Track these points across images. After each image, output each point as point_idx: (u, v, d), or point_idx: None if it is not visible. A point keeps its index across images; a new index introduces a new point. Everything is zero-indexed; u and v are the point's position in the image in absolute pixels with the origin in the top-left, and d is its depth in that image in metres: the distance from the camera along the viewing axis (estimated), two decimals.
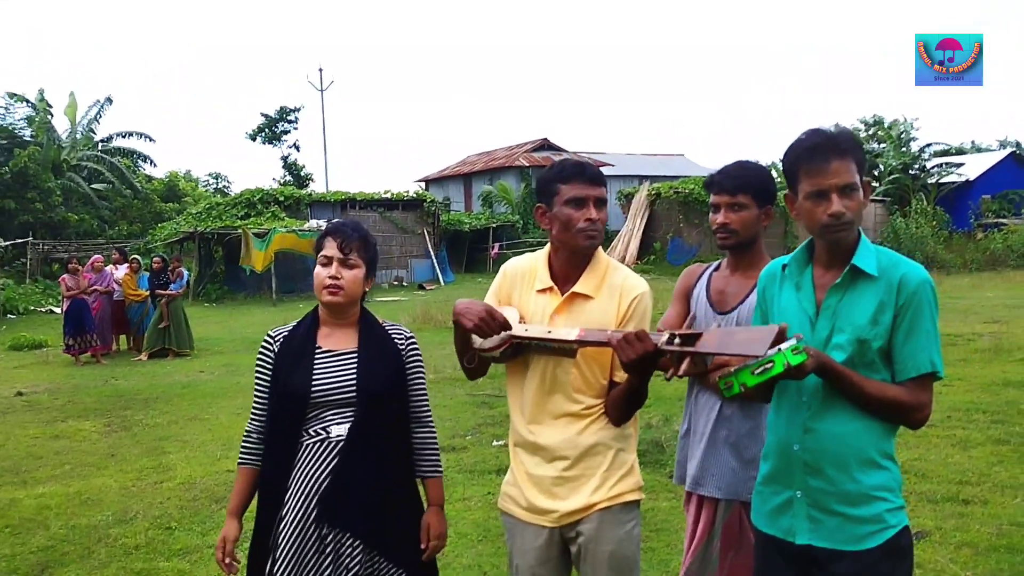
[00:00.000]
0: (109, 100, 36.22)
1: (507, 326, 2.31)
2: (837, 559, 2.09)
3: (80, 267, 13.37)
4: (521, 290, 2.50)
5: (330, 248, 2.51)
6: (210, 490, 5.82)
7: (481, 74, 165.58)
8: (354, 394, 2.47)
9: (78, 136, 35.60)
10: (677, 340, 2.02)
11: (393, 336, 2.62)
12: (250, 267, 23.14)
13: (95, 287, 13.18)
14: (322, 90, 39.74)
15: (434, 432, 2.66)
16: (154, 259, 13.99)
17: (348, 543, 2.42)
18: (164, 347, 13.19)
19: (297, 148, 44.64)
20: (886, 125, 41.06)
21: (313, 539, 2.41)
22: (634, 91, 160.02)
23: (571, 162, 2.43)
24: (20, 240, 26.28)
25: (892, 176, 36.07)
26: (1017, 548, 4.23)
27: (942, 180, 36.99)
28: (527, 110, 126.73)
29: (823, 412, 2.10)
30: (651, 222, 31.80)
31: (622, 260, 28.72)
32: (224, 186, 50.21)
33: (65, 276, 13.15)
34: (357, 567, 2.41)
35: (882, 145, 39.51)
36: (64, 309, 13.01)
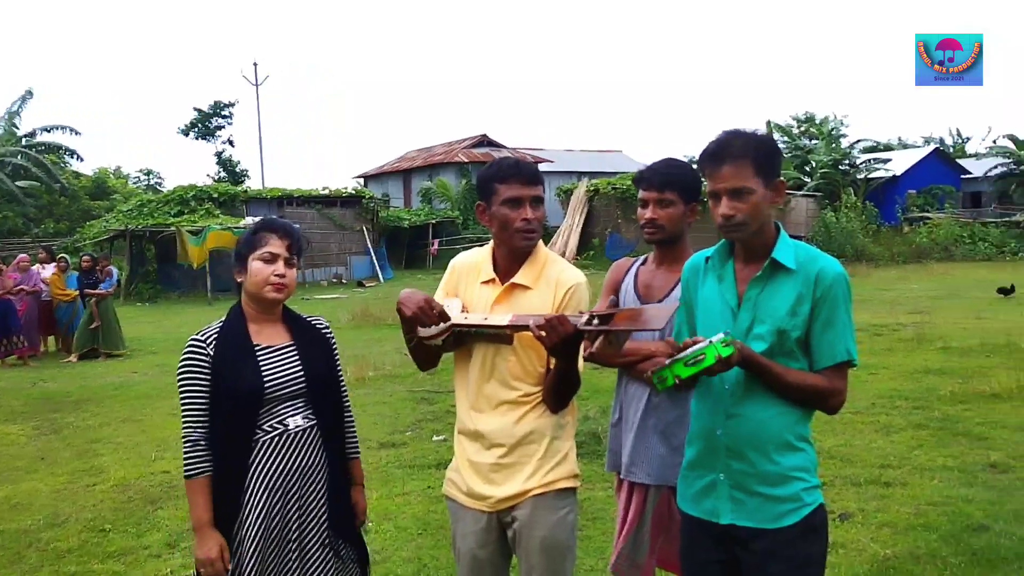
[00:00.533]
0: (30, 93, 35.10)
1: (444, 315, 2.39)
2: (758, 537, 2.19)
3: (4, 267, 12.96)
4: (467, 283, 2.58)
5: (277, 247, 2.53)
6: (144, 491, 5.74)
7: (420, 70, 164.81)
8: (303, 385, 2.54)
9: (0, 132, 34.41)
10: (595, 321, 2.12)
11: (315, 325, 2.72)
12: (188, 263, 22.68)
13: (21, 287, 12.78)
14: (257, 85, 39.00)
15: (352, 415, 2.79)
16: (83, 258, 13.63)
17: (314, 530, 2.51)
18: (95, 348, 12.86)
19: (232, 144, 43.97)
20: (817, 122, 42.17)
21: (277, 531, 2.46)
22: (573, 88, 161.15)
23: (508, 162, 2.49)
24: None
25: (823, 171, 36.98)
26: (933, 526, 4.44)
27: (870, 175, 38.10)
28: (466, 106, 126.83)
29: (744, 399, 2.20)
30: (590, 218, 32.14)
31: (562, 255, 28.86)
32: (156, 183, 49.19)
33: None
34: (320, 552, 2.52)
35: (814, 141, 40.51)
36: None
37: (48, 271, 13.51)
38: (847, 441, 6.21)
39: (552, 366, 2.38)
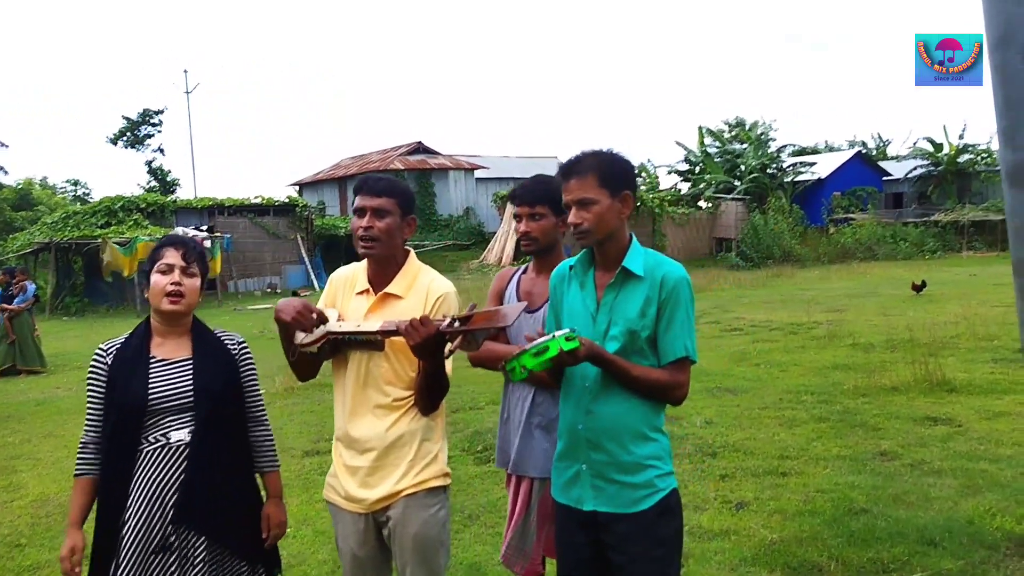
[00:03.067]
0: None
1: (323, 318, 2.55)
2: (618, 521, 2.41)
3: None
4: (344, 294, 2.75)
5: (172, 257, 2.63)
6: (64, 506, 5.74)
7: (354, 76, 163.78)
8: (191, 400, 2.60)
9: None
10: (457, 323, 2.31)
11: (225, 342, 2.77)
12: (117, 271, 22.19)
13: None
14: (188, 92, 38.61)
15: (270, 429, 2.83)
16: (3, 272, 13.36)
17: (194, 543, 2.56)
18: (14, 364, 12.63)
19: (162, 152, 43.22)
20: (747, 127, 43.22)
21: (157, 542, 2.53)
22: (508, 94, 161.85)
23: (362, 177, 2.69)
24: None
25: (752, 175, 37.95)
26: (819, 512, 4.76)
27: (797, 178, 39.21)
28: (401, 113, 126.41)
29: (601, 396, 2.42)
30: None
31: (499, 261, 29.16)
32: (84, 193, 48.04)
33: None
34: (202, 565, 2.56)
35: (744, 146, 41.50)
36: None
37: None
38: (752, 435, 6.54)
39: (419, 369, 2.56)
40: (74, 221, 25.47)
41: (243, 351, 2.79)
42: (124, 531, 2.53)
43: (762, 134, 41.63)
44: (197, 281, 2.68)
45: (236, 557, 2.66)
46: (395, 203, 2.63)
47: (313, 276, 28.83)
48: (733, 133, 44.03)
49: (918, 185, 40.05)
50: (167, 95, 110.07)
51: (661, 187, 41.67)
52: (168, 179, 42.33)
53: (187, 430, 2.59)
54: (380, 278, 2.68)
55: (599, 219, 2.42)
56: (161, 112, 42.14)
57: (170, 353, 2.66)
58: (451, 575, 4.18)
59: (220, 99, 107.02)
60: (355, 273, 2.77)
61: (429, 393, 2.59)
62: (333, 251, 32.25)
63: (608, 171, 2.43)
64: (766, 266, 28.64)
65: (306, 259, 29.10)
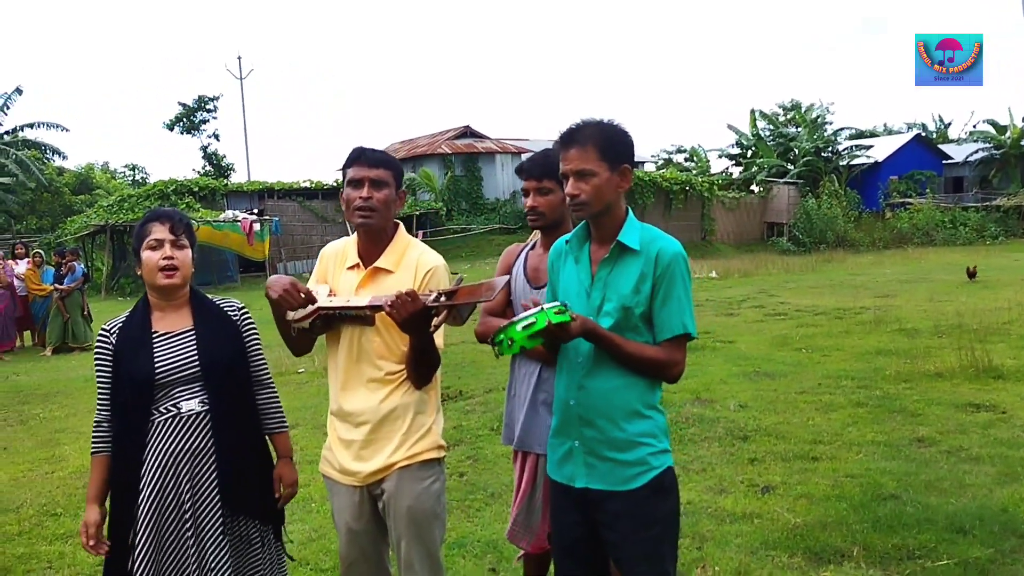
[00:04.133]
0: (19, 91, 35.01)
1: (312, 297, 2.54)
2: (609, 499, 2.37)
3: None
4: (334, 269, 2.74)
5: (159, 231, 2.64)
6: None
7: (404, 62, 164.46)
8: (198, 370, 2.63)
9: None
10: (442, 298, 2.29)
11: (225, 309, 2.79)
12: None
13: None
14: (241, 78, 39.18)
15: (275, 391, 2.85)
16: (55, 254, 13.78)
17: (208, 508, 2.61)
18: (66, 342, 13.02)
19: (217, 138, 43.69)
20: (803, 110, 42.34)
21: (172, 509, 2.58)
22: (558, 78, 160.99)
23: (357, 148, 2.65)
24: None
25: (806, 159, 37.20)
26: (846, 496, 4.64)
27: (852, 162, 38.32)
28: (450, 98, 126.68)
29: (593, 371, 2.38)
30: None
31: None
32: (142, 178, 49.03)
33: None
34: (219, 529, 2.61)
35: (798, 129, 40.69)
36: None
37: (22, 266, 13.63)
38: (786, 419, 6.41)
39: (408, 343, 2.54)
40: (129, 204, 26.04)
41: (244, 316, 2.81)
42: (140, 501, 2.57)
43: (818, 117, 40.74)
44: (188, 252, 2.70)
45: (249, 518, 2.71)
46: (391, 175, 2.62)
47: None
48: (788, 116, 43.18)
49: (979, 169, 38.87)
50: (222, 81, 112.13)
51: (712, 171, 41.12)
52: (223, 164, 42.98)
53: (197, 400, 2.62)
54: (370, 252, 2.67)
55: (597, 191, 2.36)
56: (216, 99, 42.64)
57: (171, 326, 2.69)
58: (469, 552, 4.19)
59: (273, 84, 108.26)
60: (345, 248, 2.76)
61: (419, 367, 2.57)
62: None
63: (608, 143, 2.37)
64: (818, 251, 28.10)
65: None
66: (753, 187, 37.16)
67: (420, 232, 32.43)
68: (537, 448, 3.03)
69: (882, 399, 6.90)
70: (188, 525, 2.59)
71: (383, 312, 2.40)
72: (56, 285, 13.07)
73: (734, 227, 34.28)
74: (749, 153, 40.65)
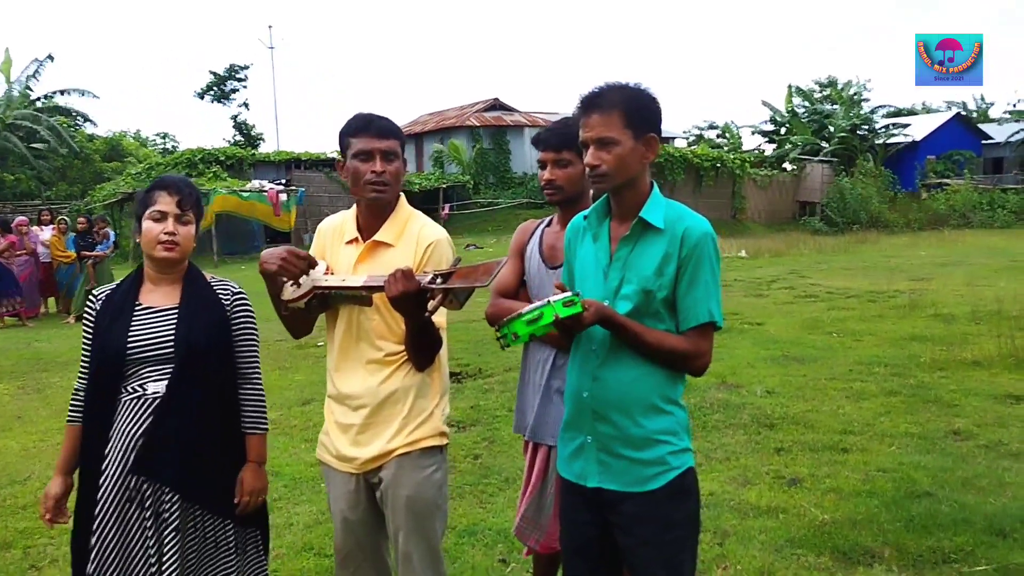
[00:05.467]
0: (50, 57, 35.15)
1: (312, 262, 2.37)
2: (625, 500, 2.17)
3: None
4: (332, 245, 2.57)
5: (166, 204, 2.48)
6: None
7: (433, 33, 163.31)
8: (172, 351, 2.46)
9: (14, 94, 34.54)
10: (439, 280, 2.10)
11: (218, 291, 2.60)
12: None
13: (20, 252, 12.90)
14: (272, 48, 39.03)
15: (259, 388, 2.63)
16: (79, 219, 13.75)
17: (166, 496, 2.45)
18: None
19: (247, 107, 43.84)
20: (839, 86, 41.46)
21: (131, 493, 2.43)
22: (589, 50, 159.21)
23: (362, 115, 2.45)
24: None
25: (840, 136, 36.48)
26: (878, 492, 4.41)
27: (889, 141, 37.53)
28: (479, 70, 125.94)
29: (609, 361, 2.17)
30: None
31: None
32: (173, 146, 49.24)
33: None
34: (177, 520, 2.44)
35: (834, 106, 39.89)
36: None
37: (47, 233, 13.63)
38: (815, 407, 6.17)
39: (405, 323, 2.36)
40: (156, 172, 26.08)
41: (237, 302, 2.61)
42: (101, 481, 2.43)
43: (855, 94, 39.92)
44: (192, 228, 2.54)
45: (217, 516, 2.53)
46: (400, 144, 2.45)
47: None
48: (824, 93, 42.32)
49: (1020, 149, 37.89)
50: (252, 50, 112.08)
51: (744, 148, 40.45)
52: (252, 133, 43.01)
53: (165, 382, 2.45)
54: (371, 225, 2.49)
55: (620, 162, 2.14)
56: (247, 68, 42.67)
57: (158, 301, 2.54)
58: (480, 541, 4.02)
59: (303, 55, 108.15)
60: (343, 221, 2.58)
61: (418, 348, 2.40)
62: None
63: (635, 109, 2.14)
64: (851, 232, 27.57)
65: None
66: (786, 165, 36.55)
67: (447, 205, 32.29)
68: (549, 440, 2.83)
69: (916, 388, 6.62)
70: (149, 513, 2.43)
71: (378, 292, 2.22)
72: (85, 252, 13.07)
73: (765, 205, 33.72)
74: (783, 130, 39.91)
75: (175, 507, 2.44)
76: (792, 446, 5.29)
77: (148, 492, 2.43)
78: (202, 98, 42.95)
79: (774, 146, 39.70)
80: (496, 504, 4.48)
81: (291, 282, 2.39)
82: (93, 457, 2.47)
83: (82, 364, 2.58)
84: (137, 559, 2.43)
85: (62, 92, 36.25)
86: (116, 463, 2.43)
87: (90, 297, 2.61)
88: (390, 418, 2.43)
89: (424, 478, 2.44)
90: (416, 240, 2.44)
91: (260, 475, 2.61)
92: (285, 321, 2.57)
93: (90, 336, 2.54)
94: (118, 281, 2.63)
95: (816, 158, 35.45)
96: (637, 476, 2.16)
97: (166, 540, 2.43)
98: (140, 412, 2.44)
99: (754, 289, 13.42)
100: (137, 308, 2.51)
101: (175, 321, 2.49)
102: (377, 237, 2.46)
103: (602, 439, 2.19)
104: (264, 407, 2.65)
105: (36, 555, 4.07)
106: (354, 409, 2.47)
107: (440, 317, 2.37)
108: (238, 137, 41.88)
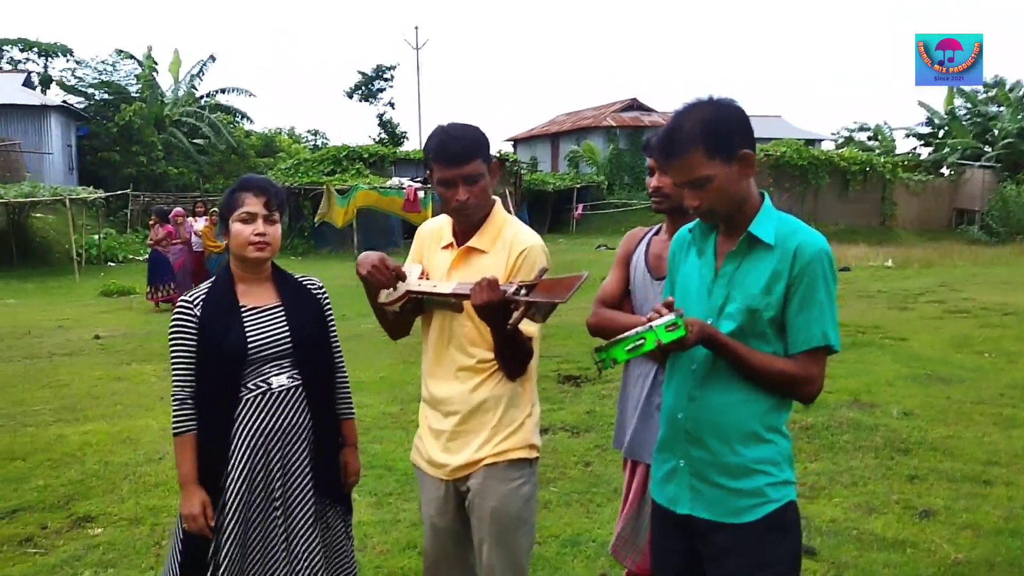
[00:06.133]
0: (212, 58, 37.45)
1: (401, 274, 2.38)
2: (716, 530, 2.05)
3: (159, 220, 14.03)
4: (430, 248, 2.57)
5: (254, 205, 2.53)
6: None
7: (574, 33, 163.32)
8: (289, 346, 2.55)
9: (180, 93, 37.00)
10: (524, 291, 2.04)
11: (307, 285, 2.71)
12: (330, 222, 23.54)
13: (176, 241, 13.76)
14: (417, 48, 39.96)
15: (346, 375, 2.78)
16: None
17: (299, 490, 2.53)
18: None
19: (392, 106, 45.09)
20: (1007, 87, 38.59)
21: (260, 488, 2.51)
22: (730, 50, 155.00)
23: (436, 139, 2.38)
24: (122, 192, 27.59)
25: (1006, 141, 33.92)
26: (1021, 532, 4.03)
27: None
28: (617, 69, 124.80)
29: (707, 382, 2.05)
30: None
31: None
32: (323, 143, 51.33)
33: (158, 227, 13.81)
34: (305, 515, 2.54)
35: (1000, 108, 37.17)
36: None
37: (200, 223, 14.47)
38: (957, 433, 5.73)
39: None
40: (304, 168, 27.31)
41: (324, 295, 2.74)
42: (228, 480, 2.49)
43: None
44: (279, 228, 2.62)
45: (334, 505, 2.65)
46: (481, 161, 2.38)
47: None
48: (989, 94, 39.48)
49: None
50: (398, 51, 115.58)
51: (897, 152, 38.31)
52: (396, 132, 44.32)
53: (286, 375, 2.55)
54: (465, 231, 2.47)
55: (720, 195, 2.00)
56: (393, 68, 43.99)
57: (258, 300, 2.61)
58: (582, 552, 3.94)
59: (446, 55, 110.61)
60: (441, 226, 2.57)
61: (506, 357, 2.36)
62: (540, 207, 32.51)
63: (714, 136, 1.97)
64: (1013, 243, 25.58)
65: (512, 214, 29.51)
66: (943, 170, 34.35)
67: (580, 205, 32.22)
68: (647, 458, 2.71)
69: None
70: (278, 506, 2.51)
71: (464, 299, 2.20)
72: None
73: (918, 212, 31.80)
74: (940, 133, 37.51)
75: (309, 496, 2.54)
76: (928, 474, 4.92)
77: (279, 484, 2.52)
78: (351, 97, 44.57)
79: (930, 149, 37.38)
80: (603, 515, 4.38)
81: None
82: (215, 458, 2.50)
83: (183, 371, 2.52)
84: (263, 554, 2.51)
85: (223, 91, 38.56)
86: (244, 460, 2.49)
87: (182, 303, 2.58)
88: (480, 427, 2.41)
89: (511, 491, 2.39)
90: (509, 246, 2.41)
91: (358, 457, 2.77)
92: (382, 322, 2.60)
93: (193, 342, 2.52)
94: (207, 285, 2.66)
95: (977, 163, 33.13)
96: (731, 506, 2.03)
97: (298, 534, 2.51)
98: (268, 406, 2.52)
99: (899, 302, 12.66)
100: (244, 309, 2.57)
101: (283, 317, 2.58)
102: (471, 243, 2.45)
103: (695, 464, 2.08)
104: (351, 391, 2.80)
105: (161, 533, 4.29)
106: (445, 415, 2.46)
107: (531, 327, 2.31)
108: (383, 135, 43.21)
